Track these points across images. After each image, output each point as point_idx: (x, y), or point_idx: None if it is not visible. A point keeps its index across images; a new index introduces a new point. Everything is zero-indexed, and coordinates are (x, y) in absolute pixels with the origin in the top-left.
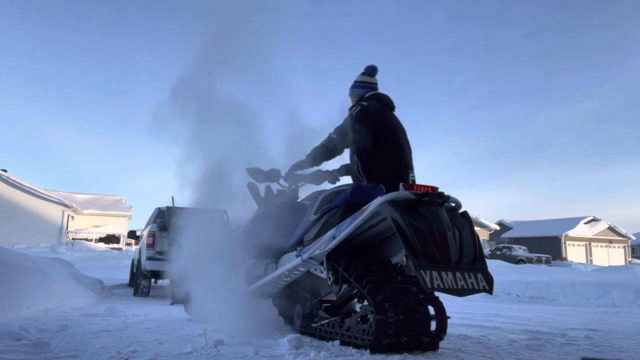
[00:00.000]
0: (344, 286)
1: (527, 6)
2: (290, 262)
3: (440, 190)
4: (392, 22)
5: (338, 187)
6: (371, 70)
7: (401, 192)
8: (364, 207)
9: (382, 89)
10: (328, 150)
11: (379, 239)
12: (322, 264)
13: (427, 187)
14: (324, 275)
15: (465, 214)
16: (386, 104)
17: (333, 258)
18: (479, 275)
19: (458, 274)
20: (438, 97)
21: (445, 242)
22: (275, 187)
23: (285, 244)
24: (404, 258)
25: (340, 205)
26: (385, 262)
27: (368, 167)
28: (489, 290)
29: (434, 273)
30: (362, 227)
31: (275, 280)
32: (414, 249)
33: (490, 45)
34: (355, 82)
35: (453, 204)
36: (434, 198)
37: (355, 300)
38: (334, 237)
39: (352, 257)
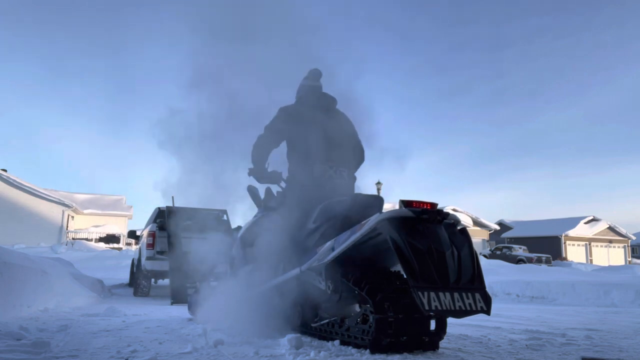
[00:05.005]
0: (344, 294)
1: (531, 4)
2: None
3: (440, 192)
4: (395, 19)
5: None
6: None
7: (400, 210)
8: (362, 222)
9: (383, 87)
10: None
11: (377, 250)
12: (320, 274)
13: (426, 203)
14: (322, 286)
15: (464, 230)
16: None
17: (331, 268)
18: (477, 296)
19: (456, 295)
20: (440, 96)
21: (444, 261)
22: (275, 189)
23: (283, 250)
24: None
25: (340, 216)
26: (384, 270)
27: None
28: (487, 311)
29: (432, 294)
30: (360, 240)
31: (275, 288)
32: (412, 269)
33: (493, 44)
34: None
35: (452, 221)
36: (432, 215)
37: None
38: (332, 249)
39: (350, 266)
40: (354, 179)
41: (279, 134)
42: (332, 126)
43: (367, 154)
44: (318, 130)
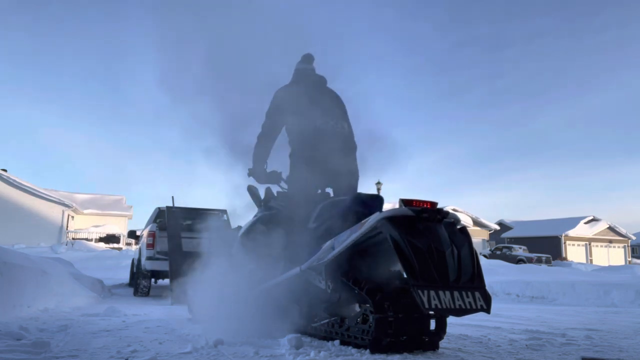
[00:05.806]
0: (343, 293)
1: (531, 4)
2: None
3: (440, 192)
4: (395, 19)
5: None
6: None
7: (400, 209)
8: (362, 222)
9: (382, 86)
10: None
11: (377, 249)
12: (320, 274)
13: (426, 202)
14: (322, 285)
15: (464, 229)
16: None
17: (331, 267)
18: (477, 294)
19: (456, 293)
20: (440, 96)
21: (444, 260)
22: (275, 189)
23: (283, 249)
24: None
25: (340, 215)
26: (384, 269)
27: None
28: (487, 310)
29: (432, 293)
30: (360, 239)
31: (275, 287)
32: (412, 268)
33: (493, 44)
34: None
35: (452, 220)
36: (432, 214)
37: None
38: (332, 248)
39: (350, 265)
40: (353, 133)
41: (279, 113)
42: (326, 96)
43: (367, 153)
44: (313, 97)
